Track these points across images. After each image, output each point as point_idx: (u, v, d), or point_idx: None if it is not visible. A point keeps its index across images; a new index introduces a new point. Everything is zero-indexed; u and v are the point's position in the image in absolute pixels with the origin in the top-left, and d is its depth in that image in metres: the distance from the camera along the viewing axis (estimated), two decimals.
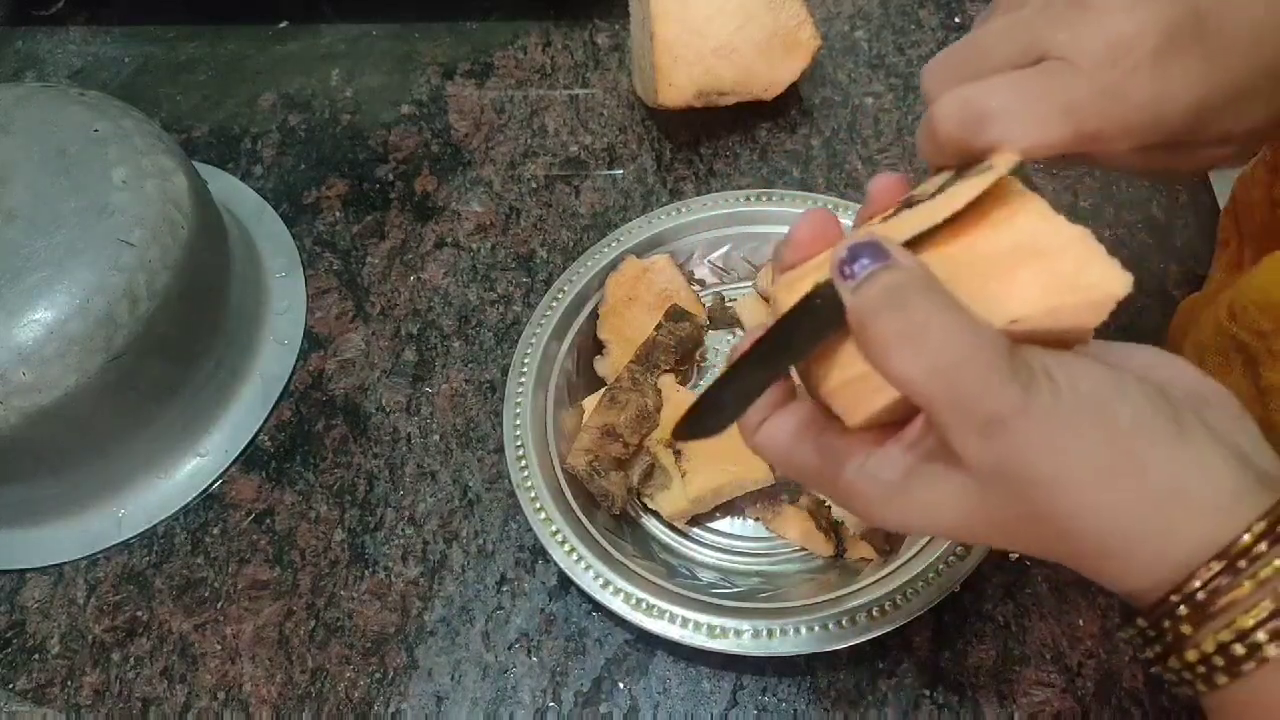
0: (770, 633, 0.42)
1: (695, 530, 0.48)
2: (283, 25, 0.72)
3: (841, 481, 0.29)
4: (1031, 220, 0.28)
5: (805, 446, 0.30)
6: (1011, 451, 0.26)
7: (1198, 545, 0.25)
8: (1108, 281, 0.27)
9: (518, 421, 0.48)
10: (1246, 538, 0.25)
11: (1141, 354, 0.29)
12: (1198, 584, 0.25)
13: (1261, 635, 0.24)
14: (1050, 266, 0.27)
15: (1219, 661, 0.25)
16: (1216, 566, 0.25)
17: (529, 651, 0.46)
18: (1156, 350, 0.30)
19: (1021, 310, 0.27)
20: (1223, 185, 0.56)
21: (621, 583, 0.43)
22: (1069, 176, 0.58)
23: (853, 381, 0.28)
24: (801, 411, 0.30)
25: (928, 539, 0.43)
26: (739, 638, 0.42)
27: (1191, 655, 0.25)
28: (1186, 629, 0.25)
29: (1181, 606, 0.25)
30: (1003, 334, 0.26)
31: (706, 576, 0.46)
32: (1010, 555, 0.46)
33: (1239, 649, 0.24)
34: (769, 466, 0.46)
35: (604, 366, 0.52)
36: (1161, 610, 0.26)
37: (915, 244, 0.29)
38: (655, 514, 0.48)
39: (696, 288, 0.54)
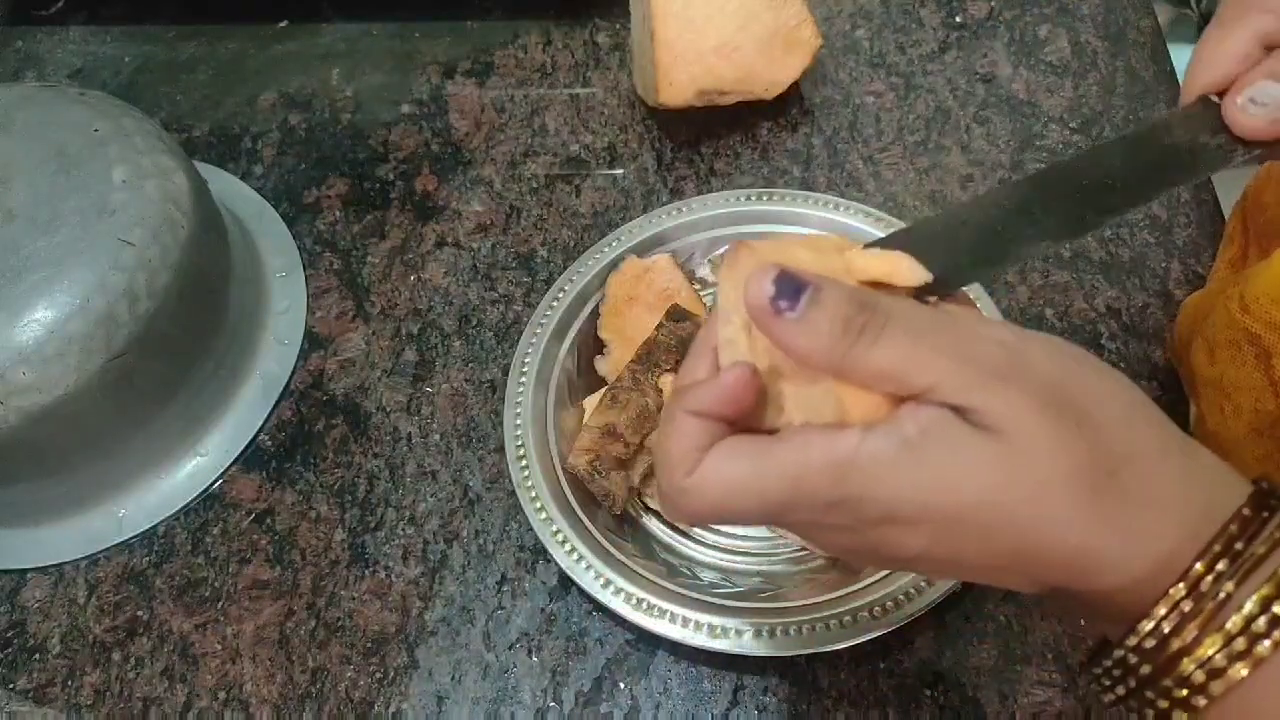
0: (771, 632, 0.42)
1: (696, 530, 0.48)
2: (283, 25, 0.72)
3: (840, 461, 0.26)
4: None
5: (776, 455, 0.27)
6: (1035, 371, 0.26)
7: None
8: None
9: (518, 421, 0.48)
10: (1233, 527, 0.25)
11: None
12: (1201, 567, 0.24)
13: (1262, 623, 0.24)
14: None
15: (1240, 645, 0.24)
16: (1217, 549, 0.24)
17: (530, 651, 0.46)
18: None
19: None
20: (1225, 185, 0.56)
21: (622, 582, 0.43)
22: None
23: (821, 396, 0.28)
24: (744, 439, 0.28)
25: None
26: (740, 638, 0.42)
27: (1188, 666, 0.25)
28: (1190, 631, 0.25)
29: (1184, 601, 0.25)
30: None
31: (707, 576, 0.46)
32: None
33: (1260, 625, 0.24)
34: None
35: (605, 366, 0.52)
36: (1162, 607, 0.25)
37: None
38: (656, 514, 0.48)
39: (697, 287, 0.54)
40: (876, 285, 0.30)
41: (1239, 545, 0.24)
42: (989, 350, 0.26)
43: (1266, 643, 0.24)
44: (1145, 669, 0.25)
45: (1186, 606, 0.24)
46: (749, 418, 0.28)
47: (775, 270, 0.27)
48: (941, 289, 0.31)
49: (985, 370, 0.25)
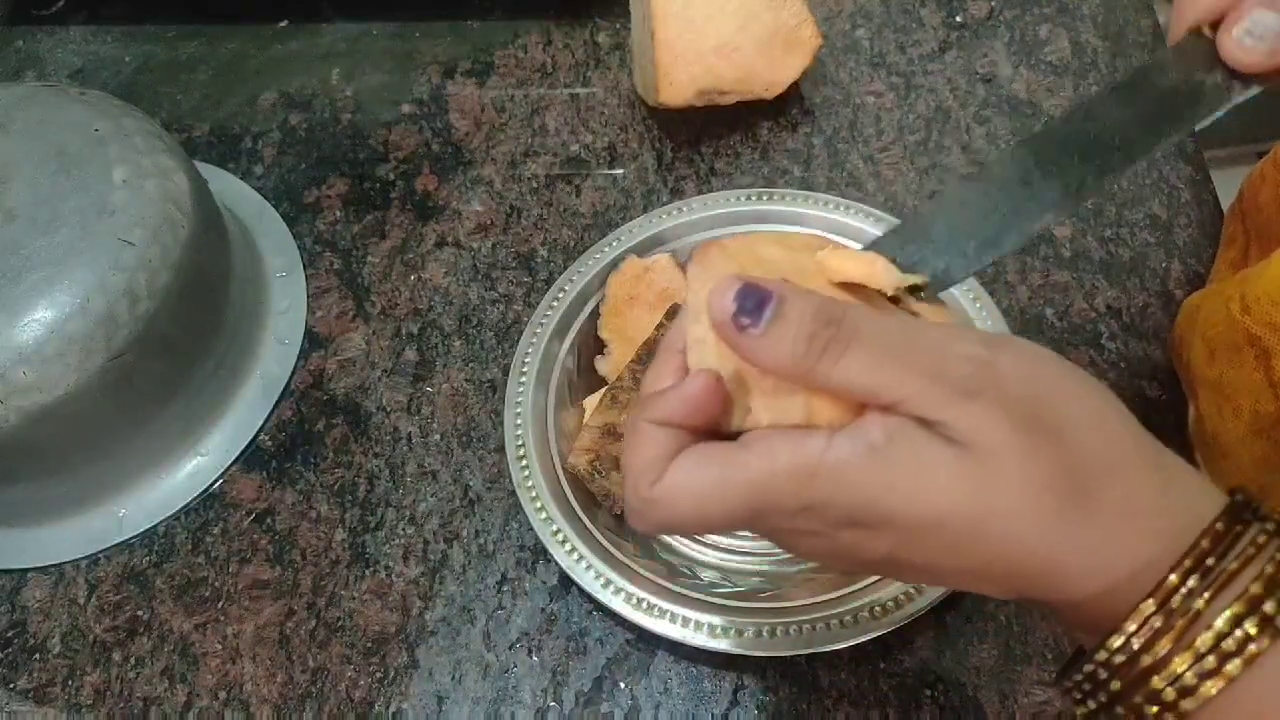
0: (771, 632, 0.42)
1: None
2: (283, 25, 0.72)
3: (806, 465, 0.26)
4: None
5: (743, 462, 0.26)
6: (1005, 385, 0.25)
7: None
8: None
9: (519, 421, 0.48)
10: (1219, 525, 0.25)
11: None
12: (1174, 578, 0.24)
13: (1250, 626, 0.23)
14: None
15: (1210, 663, 0.23)
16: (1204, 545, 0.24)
17: (530, 651, 0.46)
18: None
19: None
20: (1225, 184, 0.56)
21: (622, 582, 0.43)
22: None
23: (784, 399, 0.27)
24: (709, 447, 0.27)
25: None
26: (740, 637, 0.42)
27: (1158, 683, 0.24)
28: (1161, 647, 0.24)
29: (1154, 617, 0.24)
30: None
31: (708, 576, 0.46)
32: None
33: (1230, 644, 0.23)
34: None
35: (605, 366, 0.52)
36: (1131, 623, 0.25)
37: None
38: None
39: None
40: (851, 286, 0.29)
41: (1210, 561, 0.24)
42: (958, 366, 0.25)
43: (1237, 660, 0.23)
44: (1115, 684, 0.25)
45: (1157, 622, 0.24)
46: (715, 422, 0.27)
47: (738, 283, 0.26)
48: (943, 284, 0.31)
49: (955, 387, 0.25)
